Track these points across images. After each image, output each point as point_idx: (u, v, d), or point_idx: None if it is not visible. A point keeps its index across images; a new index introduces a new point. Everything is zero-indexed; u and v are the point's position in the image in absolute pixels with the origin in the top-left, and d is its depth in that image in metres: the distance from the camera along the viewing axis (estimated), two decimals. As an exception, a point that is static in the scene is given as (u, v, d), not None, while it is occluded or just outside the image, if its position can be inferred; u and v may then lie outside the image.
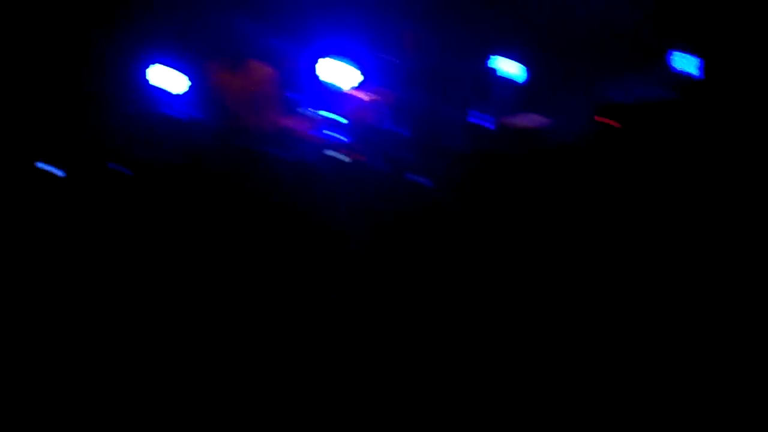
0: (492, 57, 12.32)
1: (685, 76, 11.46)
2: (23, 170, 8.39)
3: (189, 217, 5.37)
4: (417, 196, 4.91)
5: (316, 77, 11.65)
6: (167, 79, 11.83)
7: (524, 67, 12.44)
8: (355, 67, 11.74)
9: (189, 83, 11.76)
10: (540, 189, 5.12)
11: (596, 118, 10.90)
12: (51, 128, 10.21)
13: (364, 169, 6.38)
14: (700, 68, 11.55)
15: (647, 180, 5.27)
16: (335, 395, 3.07)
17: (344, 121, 10.75)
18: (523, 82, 12.43)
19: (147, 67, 11.76)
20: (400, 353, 3.41)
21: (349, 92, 10.91)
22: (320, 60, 11.68)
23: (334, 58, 11.74)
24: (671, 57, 11.49)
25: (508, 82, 12.30)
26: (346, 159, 6.46)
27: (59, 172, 7.34)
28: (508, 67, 12.37)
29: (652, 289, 3.86)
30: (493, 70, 12.11)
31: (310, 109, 10.69)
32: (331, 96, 11.37)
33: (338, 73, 11.66)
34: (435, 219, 4.55)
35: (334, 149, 8.93)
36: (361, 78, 11.46)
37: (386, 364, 3.30)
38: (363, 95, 10.68)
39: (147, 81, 11.80)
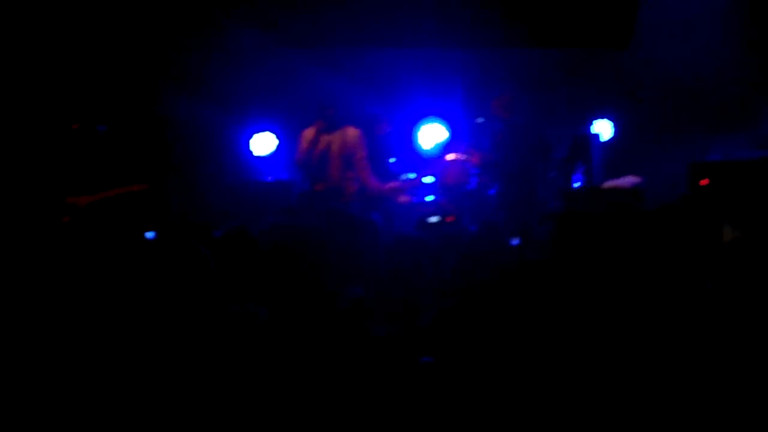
0: (587, 118, 12.30)
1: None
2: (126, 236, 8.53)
3: (286, 280, 5.35)
4: (511, 257, 4.86)
5: (411, 140, 11.74)
6: (262, 143, 12.02)
7: (617, 127, 12.38)
8: (448, 129, 11.79)
9: (278, 143, 11.95)
10: (636, 250, 5.03)
11: (700, 182, 10.78)
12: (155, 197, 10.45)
13: (460, 230, 6.35)
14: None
15: (747, 239, 5.15)
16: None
17: (434, 180, 10.77)
18: (617, 142, 12.36)
19: (250, 135, 12.03)
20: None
21: (443, 154, 10.94)
22: (417, 124, 11.79)
23: (429, 122, 11.82)
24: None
25: (602, 143, 12.24)
26: (443, 221, 6.46)
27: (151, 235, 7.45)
28: (603, 128, 12.32)
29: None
30: (588, 131, 12.07)
31: (404, 173, 10.72)
32: (425, 159, 11.42)
33: (432, 135, 11.73)
34: (529, 280, 4.47)
35: (433, 214, 8.94)
36: (453, 140, 11.51)
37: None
38: (456, 157, 10.68)
39: (246, 147, 12.05)
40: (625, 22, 11.57)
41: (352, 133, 9.74)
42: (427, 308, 5.18)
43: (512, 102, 10.06)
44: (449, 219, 6.24)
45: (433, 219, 6.15)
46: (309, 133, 9.77)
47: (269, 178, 11.79)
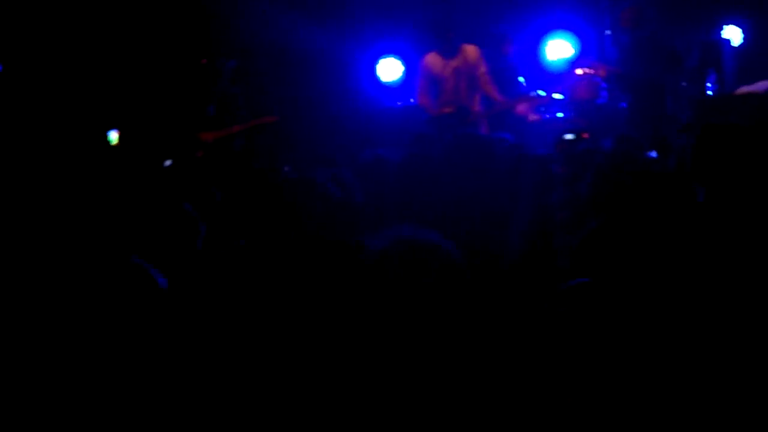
0: (716, 24, 12.04)
1: None
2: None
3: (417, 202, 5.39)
4: (645, 171, 4.78)
5: (537, 57, 11.65)
6: (389, 69, 12.09)
7: (747, 32, 12.10)
8: (575, 43, 11.67)
9: (404, 69, 12.00)
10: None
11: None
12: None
13: (596, 146, 6.32)
14: None
15: None
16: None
17: (564, 96, 10.71)
18: (749, 47, 12.09)
19: (375, 61, 12.10)
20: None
21: (571, 69, 10.84)
22: (543, 39, 11.68)
23: (555, 36, 11.71)
24: None
25: (733, 49, 11.98)
26: (579, 138, 6.45)
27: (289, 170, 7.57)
28: (733, 33, 12.05)
29: None
30: (718, 37, 11.82)
31: (533, 91, 10.68)
32: (553, 74, 11.34)
33: (559, 50, 11.63)
34: (666, 196, 4.40)
35: (567, 131, 8.90)
36: (581, 54, 11.39)
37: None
38: (584, 71, 10.58)
39: (373, 75, 12.13)
40: None
41: (470, 50, 9.72)
42: (565, 229, 5.20)
43: (640, 13, 9.88)
44: (584, 135, 6.20)
45: (569, 136, 6.11)
46: (432, 59, 9.77)
47: (398, 103, 11.85)
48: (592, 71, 10.53)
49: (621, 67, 10.12)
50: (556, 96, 10.70)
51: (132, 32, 11.37)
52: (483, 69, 9.69)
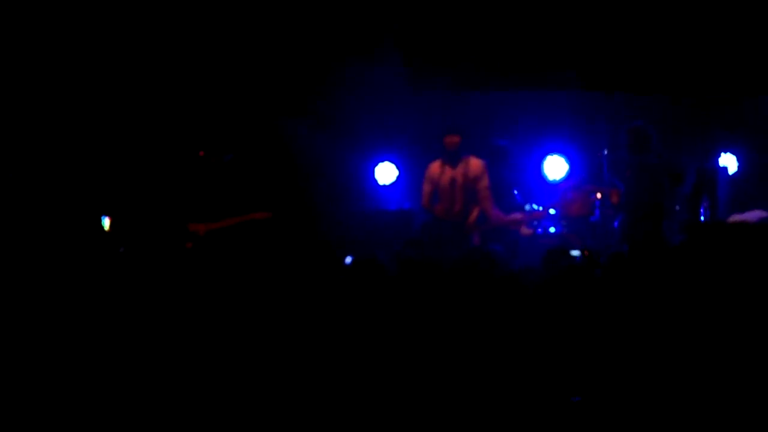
0: (713, 152, 12.13)
1: None
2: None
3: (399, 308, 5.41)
4: (631, 290, 4.84)
5: (535, 172, 11.72)
6: (385, 172, 12.17)
7: (743, 161, 12.20)
8: (567, 162, 11.75)
9: (398, 173, 12.07)
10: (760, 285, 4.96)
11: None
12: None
13: (589, 263, 6.33)
14: None
15: None
16: None
17: (557, 212, 10.74)
18: (744, 176, 12.17)
19: (374, 165, 12.18)
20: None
21: (567, 186, 10.89)
22: (542, 156, 11.78)
23: (554, 154, 11.80)
24: None
25: (729, 177, 12.06)
26: (583, 256, 6.45)
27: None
28: (729, 162, 12.14)
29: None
30: (713, 165, 11.91)
31: (528, 204, 10.73)
32: (549, 190, 11.39)
33: (557, 168, 11.72)
34: (647, 313, 4.49)
35: (571, 247, 8.92)
36: (577, 172, 11.46)
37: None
38: (581, 190, 10.64)
39: (370, 177, 12.20)
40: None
41: (475, 163, 9.80)
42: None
43: (647, 135, 9.94)
44: (586, 253, 6.21)
45: (575, 253, 6.11)
46: (435, 166, 9.87)
47: (392, 206, 11.89)
48: (600, 192, 10.58)
49: (619, 187, 10.17)
50: (551, 211, 10.72)
51: (133, 117, 11.43)
52: (484, 183, 9.75)
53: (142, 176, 11.28)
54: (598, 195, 10.49)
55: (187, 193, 10.11)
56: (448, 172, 9.79)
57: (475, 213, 9.82)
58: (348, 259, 5.83)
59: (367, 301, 5.19)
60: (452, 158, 9.79)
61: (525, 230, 10.46)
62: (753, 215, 10.67)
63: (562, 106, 12.09)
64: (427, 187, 10.00)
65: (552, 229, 10.76)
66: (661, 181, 9.88)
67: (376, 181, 12.19)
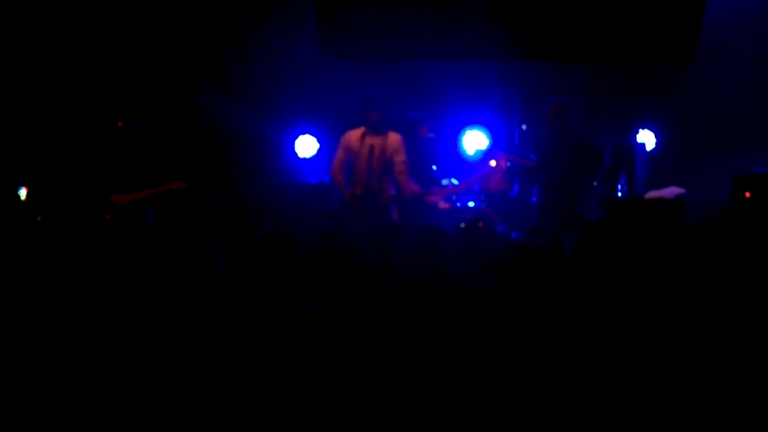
0: (631, 128, 12.23)
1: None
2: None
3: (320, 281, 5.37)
4: (547, 263, 4.81)
5: (453, 146, 11.71)
6: (305, 145, 12.09)
7: (660, 137, 12.32)
8: (489, 136, 11.75)
9: (319, 146, 12.01)
10: (676, 261, 4.99)
11: (746, 194, 10.69)
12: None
13: (494, 236, 6.34)
14: None
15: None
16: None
17: (475, 187, 10.76)
18: (661, 152, 12.29)
19: (294, 138, 12.10)
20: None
21: (484, 161, 10.90)
22: (460, 130, 11.76)
23: (472, 128, 11.79)
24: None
25: (646, 153, 12.17)
26: (475, 226, 6.46)
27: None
28: (647, 138, 12.25)
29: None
30: (631, 141, 12.00)
31: (446, 179, 10.73)
32: (466, 165, 11.39)
33: (475, 142, 11.71)
34: (564, 288, 4.46)
35: (467, 218, 8.94)
36: (495, 146, 11.47)
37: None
38: (498, 163, 10.65)
39: (290, 149, 12.12)
40: (689, 39, 11.41)
41: (393, 138, 9.72)
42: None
43: (566, 110, 9.92)
44: (480, 224, 6.24)
45: (462, 225, 6.19)
46: (353, 135, 9.73)
47: (311, 180, 11.82)
48: (509, 165, 10.61)
49: (536, 161, 10.16)
50: (470, 186, 10.73)
51: (50, 88, 11.24)
52: (401, 158, 9.67)
53: (60, 146, 11.09)
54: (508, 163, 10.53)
55: (105, 164, 9.97)
56: (368, 143, 9.67)
57: (390, 187, 9.77)
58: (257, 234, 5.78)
59: (277, 275, 5.14)
60: (374, 131, 9.68)
61: (443, 204, 10.45)
62: (669, 191, 10.80)
63: (485, 78, 12.09)
64: (340, 154, 9.85)
65: (471, 204, 10.77)
66: (579, 158, 9.84)
67: (296, 154, 12.08)
